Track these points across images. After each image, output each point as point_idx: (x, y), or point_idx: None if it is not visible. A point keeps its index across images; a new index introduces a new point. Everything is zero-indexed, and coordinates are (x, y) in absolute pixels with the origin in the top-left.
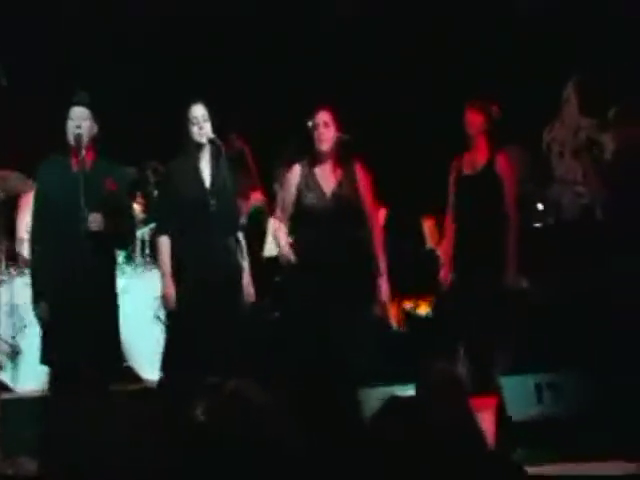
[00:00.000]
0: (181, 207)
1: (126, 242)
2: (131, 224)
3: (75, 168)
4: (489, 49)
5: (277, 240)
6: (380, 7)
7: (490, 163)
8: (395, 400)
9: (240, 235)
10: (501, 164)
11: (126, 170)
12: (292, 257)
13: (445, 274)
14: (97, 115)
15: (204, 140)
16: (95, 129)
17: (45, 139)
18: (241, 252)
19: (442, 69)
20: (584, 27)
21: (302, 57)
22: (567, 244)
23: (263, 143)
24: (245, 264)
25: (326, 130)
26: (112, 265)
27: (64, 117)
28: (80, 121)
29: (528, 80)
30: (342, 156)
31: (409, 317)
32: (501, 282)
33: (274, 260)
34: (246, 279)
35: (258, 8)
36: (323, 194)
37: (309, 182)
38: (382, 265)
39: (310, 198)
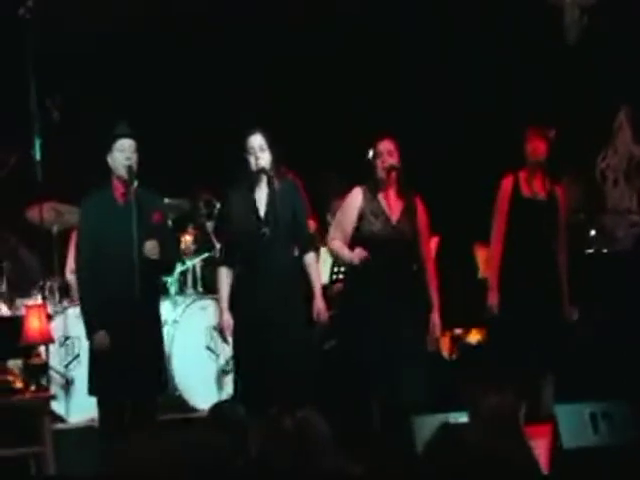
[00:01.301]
0: (236, 237)
1: (171, 271)
2: (176, 254)
3: (120, 200)
4: (538, 76)
5: (341, 255)
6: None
7: (552, 191)
8: (447, 427)
9: (311, 254)
10: (560, 194)
11: (171, 200)
12: (365, 254)
13: (493, 299)
14: (142, 146)
15: (258, 170)
16: (138, 160)
17: (95, 172)
18: (312, 271)
19: (490, 97)
20: (635, 54)
21: (347, 89)
22: (621, 273)
23: (312, 175)
24: (317, 283)
25: (390, 159)
26: (159, 295)
27: (106, 149)
28: (130, 153)
29: (580, 108)
30: (404, 186)
31: (460, 345)
32: (559, 313)
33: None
34: (318, 298)
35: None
36: (389, 222)
37: (374, 208)
38: (435, 300)
39: (376, 225)
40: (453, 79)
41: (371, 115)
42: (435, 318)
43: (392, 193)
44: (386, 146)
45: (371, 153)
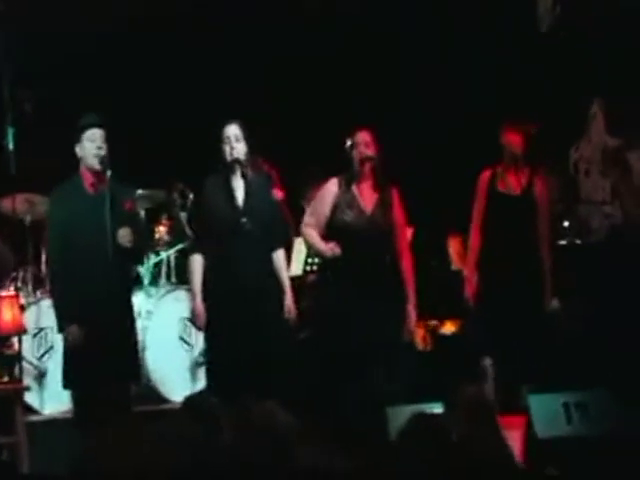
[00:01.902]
0: (213, 227)
1: (142, 260)
2: (147, 243)
3: (91, 190)
4: (513, 67)
5: (313, 245)
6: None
7: (529, 186)
8: (421, 418)
9: (280, 252)
10: (539, 189)
11: (145, 191)
12: (337, 250)
13: (470, 291)
14: (115, 136)
15: (232, 160)
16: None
17: (68, 162)
18: (280, 269)
19: (466, 87)
20: (611, 45)
21: (326, 79)
22: (596, 264)
23: (287, 164)
24: (285, 280)
25: (367, 150)
26: (131, 284)
27: (74, 139)
28: (100, 142)
29: (555, 98)
30: (380, 177)
31: (434, 336)
32: (538, 303)
33: (299, 279)
34: (287, 295)
35: (286, 34)
36: (363, 213)
37: (348, 199)
38: (411, 292)
39: (349, 215)
40: (430, 71)
41: (351, 105)
42: (410, 310)
43: (368, 184)
44: (363, 137)
45: (348, 144)
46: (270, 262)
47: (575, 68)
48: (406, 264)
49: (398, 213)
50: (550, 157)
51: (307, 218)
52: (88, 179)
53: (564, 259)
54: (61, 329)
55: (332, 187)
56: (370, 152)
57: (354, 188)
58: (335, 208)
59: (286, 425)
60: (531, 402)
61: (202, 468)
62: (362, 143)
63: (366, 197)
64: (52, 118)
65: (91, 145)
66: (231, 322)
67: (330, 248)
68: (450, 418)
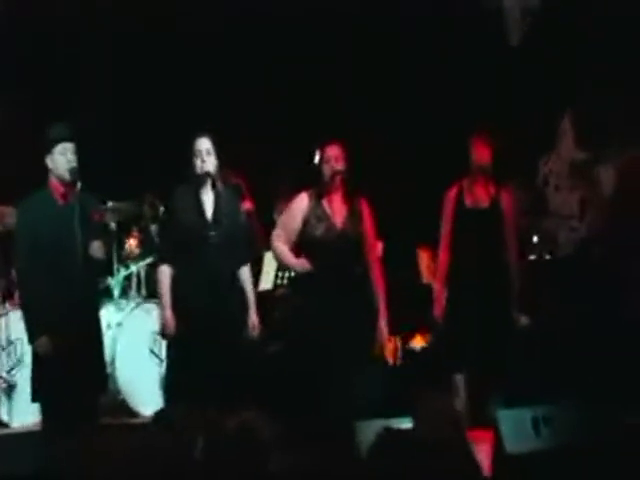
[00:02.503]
0: (182, 238)
1: (103, 271)
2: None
3: (61, 201)
4: (484, 81)
5: (283, 260)
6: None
7: (496, 199)
8: (389, 432)
9: (246, 267)
10: (506, 201)
11: (115, 203)
12: (307, 265)
13: (438, 309)
14: (83, 148)
15: (203, 173)
16: None
17: (38, 174)
18: (246, 284)
19: (437, 101)
20: (581, 58)
21: (298, 90)
22: (562, 278)
23: (258, 176)
24: (251, 295)
25: (336, 164)
26: (99, 295)
27: (45, 151)
28: (71, 155)
29: (524, 112)
30: (349, 190)
31: (403, 350)
32: (505, 317)
33: (269, 293)
34: (252, 311)
35: (254, 41)
36: (333, 226)
37: (318, 213)
38: (383, 306)
39: (320, 229)
40: (401, 84)
41: (323, 118)
42: (382, 324)
43: (337, 197)
44: (332, 151)
45: (317, 158)
46: (238, 276)
47: (545, 80)
48: (377, 276)
49: (368, 225)
50: (518, 170)
51: (277, 232)
52: (58, 190)
53: (533, 274)
54: (31, 341)
55: (301, 201)
56: (340, 166)
57: (324, 202)
58: (305, 222)
59: (266, 436)
60: (499, 417)
61: None
62: (332, 157)
63: (336, 210)
64: (19, 127)
65: (62, 158)
66: (199, 334)
67: (300, 263)
68: (419, 432)
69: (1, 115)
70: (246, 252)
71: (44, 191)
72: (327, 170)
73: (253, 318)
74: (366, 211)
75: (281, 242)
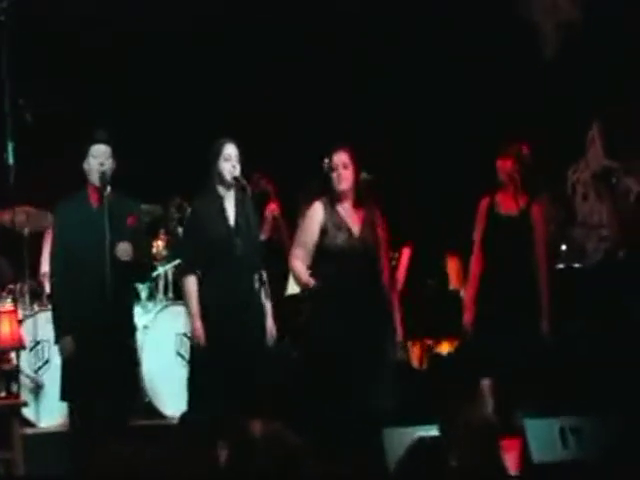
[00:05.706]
0: (206, 247)
1: (145, 276)
2: (150, 259)
3: (95, 205)
4: (514, 90)
5: (296, 273)
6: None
7: (526, 209)
8: (422, 442)
9: (264, 274)
10: (536, 211)
11: (143, 206)
12: (312, 284)
13: (469, 318)
14: (117, 152)
15: (232, 178)
16: (114, 166)
17: (69, 176)
18: (265, 292)
19: (469, 111)
20: (609, 69)
21: (321, 96)
22: (591, 288)
23: (286, 181)
24: (268, 304)
25: (345, 171)
26: (132, 299)
27: (83, 155)
28: (103, 159)
29: (554, 122)
30: (362, 196)
31: (430, 356)
32: (536, 328)
33: (296, 298)
34: (269, 319)
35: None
36: (352, 234)
37: (336, 221)
38: (395, 306)
39: (341, 237)
40: (432, 92)
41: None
42: (396, 323)
43: (351, 204)
44: (341, 158)
45: (326, 164)
46: (259, 283)
47: (574, 90)
48: (386, 278)
49: (380, 229)
50: (547, 179)
51: (295, 252)
52: (93, 194)
53: (562, 282)
54: (57, 340)
55: (316, 211)
56: (348, 173)
57: (339, 209)
58: (323, 231)
59: (295, 446)
60: (527, 426)
61: None
62: (340, 164)
63: (353, 218)
64: (53, 132)
65: (94, 161)
66: (226, 342)
67: (305, 282)
68: (448, 441)
69: (32, 116)
70: (260, 259)
71: (81, 195)
72: (336, 177)
73: (270, 325)
74: (378, 216)
75: (299, 261)
